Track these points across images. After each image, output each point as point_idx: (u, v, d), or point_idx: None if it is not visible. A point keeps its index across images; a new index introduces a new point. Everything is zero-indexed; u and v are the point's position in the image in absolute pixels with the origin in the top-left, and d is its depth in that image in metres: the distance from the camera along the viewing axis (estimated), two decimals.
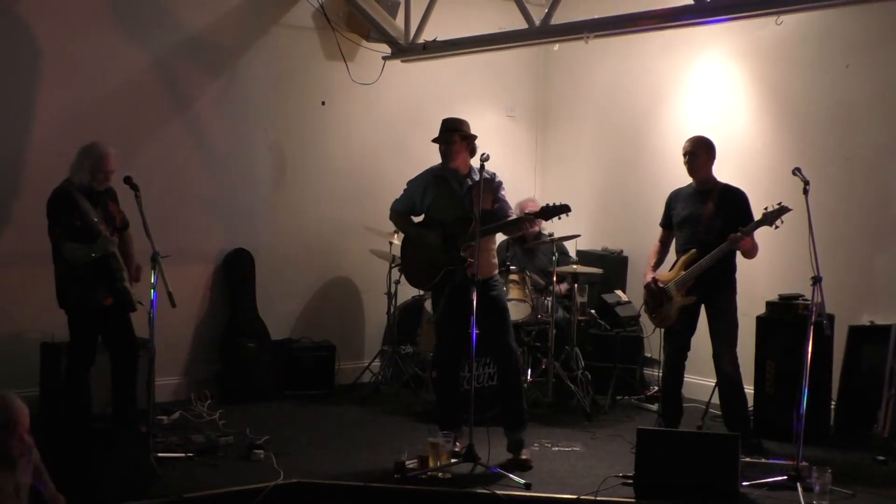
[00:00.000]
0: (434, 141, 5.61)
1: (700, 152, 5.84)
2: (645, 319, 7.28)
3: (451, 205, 5.52)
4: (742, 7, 5.66)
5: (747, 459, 5.29)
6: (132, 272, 5.51)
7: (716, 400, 6.29)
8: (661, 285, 5.86)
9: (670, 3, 6.10)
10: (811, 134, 6.68)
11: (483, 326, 5.25)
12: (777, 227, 5.50)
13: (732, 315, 5.83)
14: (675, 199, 6.03)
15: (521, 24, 6.58)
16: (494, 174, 5.61)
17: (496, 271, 5.70)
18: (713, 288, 5.77)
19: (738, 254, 5.77)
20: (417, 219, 5.79)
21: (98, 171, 5.40)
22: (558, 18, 6.41)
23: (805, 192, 5.18)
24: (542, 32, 6.53)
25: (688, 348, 5.95)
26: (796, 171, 5.27)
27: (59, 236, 5.34)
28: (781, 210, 5.45)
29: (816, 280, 5.02)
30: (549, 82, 8.75)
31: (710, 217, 5.77)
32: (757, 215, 5.61)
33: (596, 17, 6.27)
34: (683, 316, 5.85)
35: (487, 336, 5.40)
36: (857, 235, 6.45)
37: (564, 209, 5.39)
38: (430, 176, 5.65)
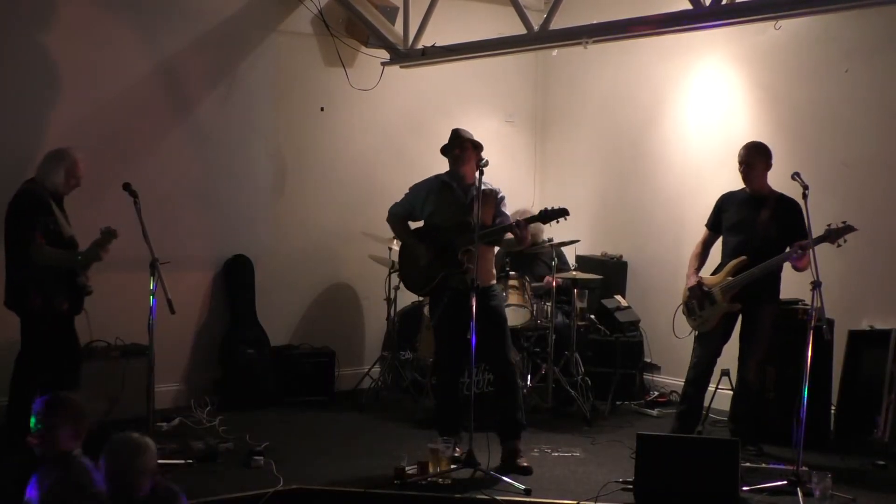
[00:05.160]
0: (443, 149, 5.62)
1: (757, 162, 5.75)
2: (648, 325, 7.29)
3: (454, 212, 5.51)
4: (741, 12, 5.65)
5: (748, 464, 5.29)
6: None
7: (716, 405, 6.29)
8: (706, 288, 5.78)
9: (669, 8, 6.10)
10: (810, 139, 6.68)
11: (481, 336, 5.23)
12: (839, 246, 5.39)
13: (770, 328, 5.78)
14: (727, 202, 5.93)
15: (520, 30, 6.57)
16: (498, 189, 5.62)
17: (494, 280, 5.69)
18: (756, 297, 5.70)
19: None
20: (416, 224, 5.78)
21: (72, 177, 5.38)
22: (557, 24, 6.40)
23: (804, 196, 5.17)
24: (540, 38, 6.53)
25: (719, 354, 5.89)
26: (795, 176, 5.26)
27: (37, 237, 5.17)
28: (846, 229, 5.33)
29: (816, 285, 5.01)
30: (547, 88, 8.75)
31: (765, 225, 5.69)
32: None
33: (594, 22, 6.28)
34: (723, 322, 5.80)
35: (485, 346, 5.38)
36: (857, 240, 6.41)
37: (562, 213, 5.37)
38: (437, 182, 5.64)
